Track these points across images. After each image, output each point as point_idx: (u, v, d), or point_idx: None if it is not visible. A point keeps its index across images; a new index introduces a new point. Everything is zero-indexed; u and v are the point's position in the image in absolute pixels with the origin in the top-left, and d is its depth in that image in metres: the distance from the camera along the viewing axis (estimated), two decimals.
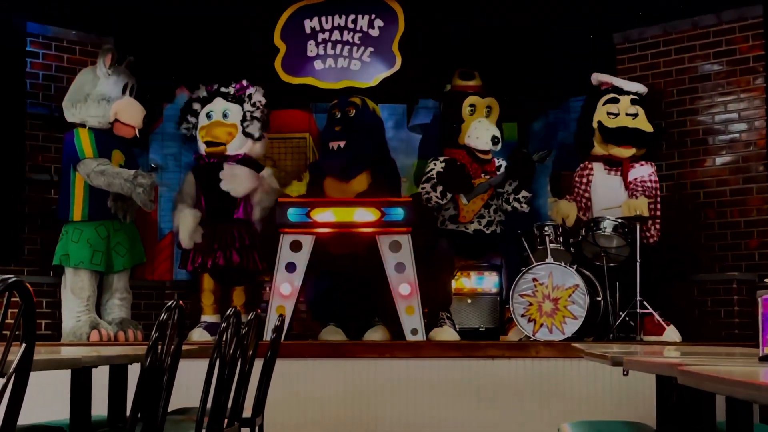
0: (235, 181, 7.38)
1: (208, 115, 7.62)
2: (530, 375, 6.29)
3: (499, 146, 7.65)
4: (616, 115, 7.59)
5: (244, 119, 7.58)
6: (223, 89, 7.68)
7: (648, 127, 7.57)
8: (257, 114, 7.61)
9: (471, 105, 7.75)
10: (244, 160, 7.61)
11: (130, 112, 7.32)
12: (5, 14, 7.49)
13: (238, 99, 7.66)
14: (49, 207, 7.56)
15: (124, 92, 7.37)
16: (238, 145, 7.60)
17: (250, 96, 7.66)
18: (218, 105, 7.64)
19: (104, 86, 7.29)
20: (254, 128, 7.59)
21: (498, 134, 7.61)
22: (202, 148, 7.65)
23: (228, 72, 7.88)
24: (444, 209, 7.65)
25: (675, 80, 7.98)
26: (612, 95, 7.66)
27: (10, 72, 7.54)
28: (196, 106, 7.68)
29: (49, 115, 7.65)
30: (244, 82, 7.68)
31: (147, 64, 7.72)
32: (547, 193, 8.41)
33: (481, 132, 7.61)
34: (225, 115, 7.61)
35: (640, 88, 7.75)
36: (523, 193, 7.57)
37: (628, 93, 7.67)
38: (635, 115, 7.58)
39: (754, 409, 2.61)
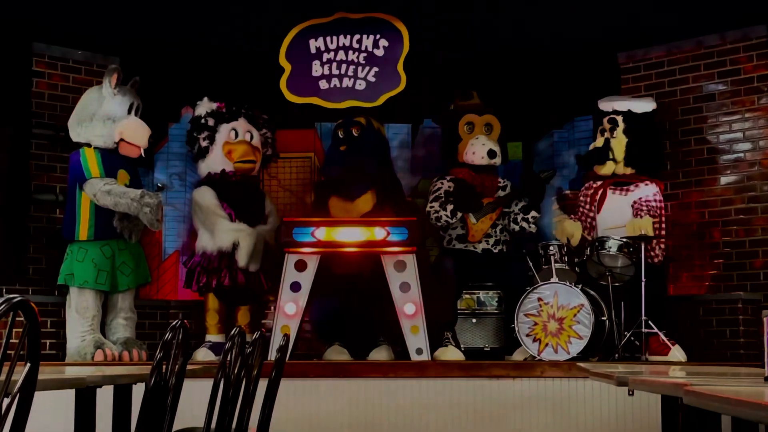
0: None
1: (236, 133, 7.64)
2: (535, 395, 6.27)
3: (496, 160, 7.62)
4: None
5: (265, 144, 7.73)
6: (245, 110, 7.70)
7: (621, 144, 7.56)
8: (271, 141, 7.82)
9: (468, 123, 7.75)
10: (255, 184, 7.79)
11: (136, 132, 7.32)
12: (11, 34, 7.52)
13: (254, 122, 7.71)
14: (54, 226, 7.57)
15: (129, 112, 7.38)
16: (258, 168, 7.80)
17: (266, 122, 7.74)
18: (244, 125, 7.67)
19: (110, 106, 7.30)
20: (272, 154, 7.85)
21: (495, 148, 7.59)
22: (224, 163, 7.62)
23: (233, 92, 7.90)
24: (452, 228, 7.64)
25: (679, 100, 7.97)
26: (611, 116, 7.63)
27: (15, 92, 7.55)
28: (210, 121, 7.65)
29: (55, 134, 7.65)
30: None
31: (152, 84, 7.73)
32: (553, 212, 8.39)
33: (477, 147, 7.61)
34: (251, 137, 7.66)
35: (648, 106, 7.68)
36: (533, 213, 7.54)
37: (617, 113, 7.62)
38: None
39: (760, 429, 2.60)
